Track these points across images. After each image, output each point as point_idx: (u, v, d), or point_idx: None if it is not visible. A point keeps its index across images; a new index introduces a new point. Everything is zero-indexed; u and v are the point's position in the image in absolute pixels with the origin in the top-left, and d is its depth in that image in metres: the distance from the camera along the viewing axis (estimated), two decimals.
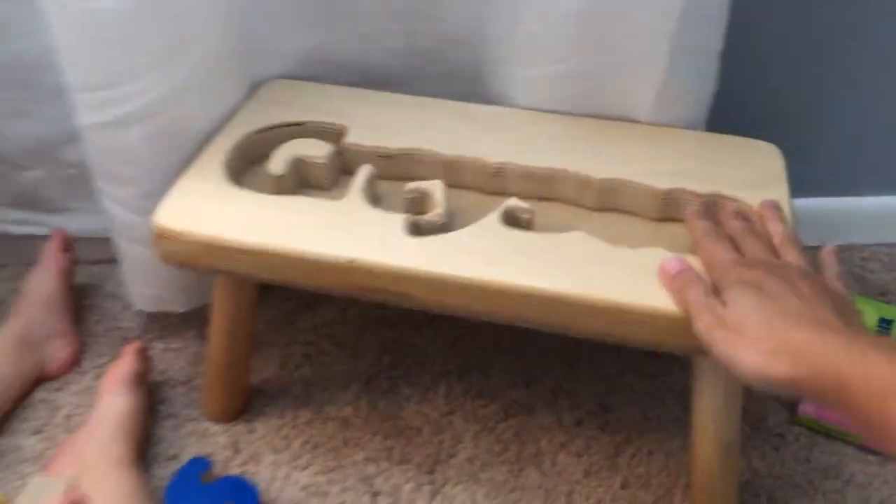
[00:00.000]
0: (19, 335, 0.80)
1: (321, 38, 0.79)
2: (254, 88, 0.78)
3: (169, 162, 0.71)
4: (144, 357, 0.80)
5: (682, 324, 0.56)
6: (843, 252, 0.98)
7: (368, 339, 0.86)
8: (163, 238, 0.64)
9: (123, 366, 0.77)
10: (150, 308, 0.84)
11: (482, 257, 0.61)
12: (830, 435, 0.79)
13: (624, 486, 0.74)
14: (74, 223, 0.91)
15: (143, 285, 0.81)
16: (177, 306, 0.83)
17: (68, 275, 0.87)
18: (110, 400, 0.74)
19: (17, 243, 0.93)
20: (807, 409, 0.79)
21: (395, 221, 0.64)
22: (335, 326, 0.87)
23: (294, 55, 0.79)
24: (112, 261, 0.92)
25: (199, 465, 0.71)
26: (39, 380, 0.81)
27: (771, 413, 0.81)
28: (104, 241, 0.91)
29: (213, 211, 0.65)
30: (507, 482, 0.74)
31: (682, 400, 0.81)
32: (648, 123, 0.74)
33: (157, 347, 0.85)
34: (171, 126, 0.70)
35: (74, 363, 0.83)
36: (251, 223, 0.64)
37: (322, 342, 0.86)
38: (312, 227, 0.64)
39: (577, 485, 0.74)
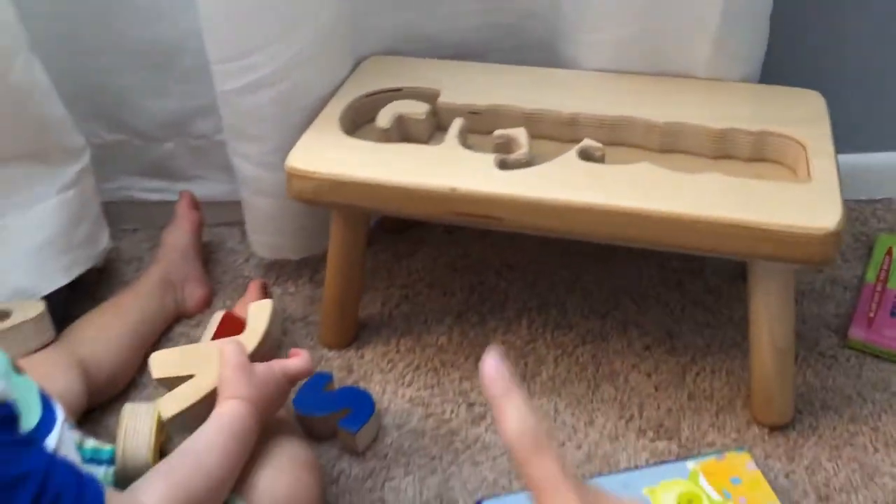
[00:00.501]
0: (162, 278, 0.94)
1: (413, 17, 0.91)
2: (358, 62, 0.91)
3: (291, 122, 0.84)
4: (266, 292, 0.92)
5: (738, 231, 0.67)
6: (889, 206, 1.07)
7: (457, 282, 0.98)
8: (294, 178, 0.77)
9: (249, 299, 0.89)
10: (270, 255, 0.97)
11: (563, 183, 0.72)
12: (879, 356, 0.87)
13: (690, 398, 0.84)
14: (199, 189, 1.05)
15: (263, 234, 0.95)
16: (293, 254, 0.96)
17: (198, 229, 1.00)
18: None
19: (149, 209, 1.07)
20: (857, 333, 0.88)
21: (487, 159, 0.76)
22: (427, 272, 0.99)
23: (391, 32, 0.92)
24: (231, 223, 1.07)
25: (322, 378, 0.83)
26: (179, 316, 0.95)
27: (823, 338, 0.89)
28: (225, 205, 1.05)
29: (334, 155, 0.78)
30: (585, 395, 0.85)
31: (742, 330, 0.90)
32: (705, 79, 0.85)
33: (276, 292, 0.98)
34: (293, 91, 0.83)
35: (207, 303, 0.97)
36: (367, 163, 0.76)
37: (417, 285, 0.98)
38: (418, 165, 0.76)
39: (649, 397, 0.84)
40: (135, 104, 0.99)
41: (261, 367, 0.69)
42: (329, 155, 0.78)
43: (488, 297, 0.96)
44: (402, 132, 0.83)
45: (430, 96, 0.85)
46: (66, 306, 0.92)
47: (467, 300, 0.96)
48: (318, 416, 0.80)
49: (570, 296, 0.96)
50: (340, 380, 0.87)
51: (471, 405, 0.84)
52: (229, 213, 1.05)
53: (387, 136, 0.82)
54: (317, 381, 0.82)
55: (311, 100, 0.84)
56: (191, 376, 0.70)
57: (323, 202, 0.78)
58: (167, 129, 1.01)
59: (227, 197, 1.04)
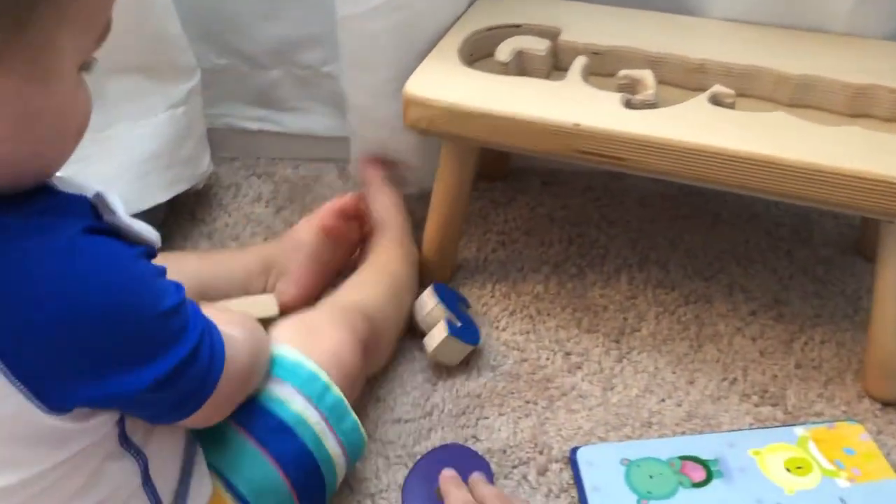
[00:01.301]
0: (265, 258, 0.85)
1: None
2: None
3: (407, 51, 0.82)
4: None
5: (878, 187, 0.63)
6: None
7: (555, 233, 0.95)
8: (411, 105, 0.75)
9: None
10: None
11: (693, 126, 0.69)
12: None
13: (797, 366, 0.81)
14: (300, 122, 1.04)
15: None
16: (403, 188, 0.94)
17: (332, 234, 0.86)
18: None
19: (249, 138, 1.07)
20: None
21: (613, 97, 0.73)
22: (524, 221, 0.97)
23: None
24: (329, 159, 1.06)
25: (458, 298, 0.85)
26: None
27: None
28: (324, 140, 1.05)
29: (452, 84, 0.76)
30: (687, 355, 0.82)
31: (853, 303, 0.86)
32: (844, 34, 0.80)
33: None
34: (414, 19, 0.82)
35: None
36: (486, 94, 0.74)
37: (514, 233, 0.96)
38: (540, 98, 0.74)
39: (753, 362, 0.81)
40: (245, 29, 0.98)
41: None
42: (448, 84, 0.76)
43: (587, 250, 0.93)
44: (521, 68, 0.81)
45: (550, 34, 0.83)
46: (164, 224, 0.92)
47: (565, 251, 0.93)
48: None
49: (672, 255, 0.93)
50: None
51: (567, 354, 0.82)
52: (328, 149, 1.04)
53: (505, 70, 0.80)
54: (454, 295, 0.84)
55: (429, 30, 0.83)
56: None
57: (438, 132, 0.77)
58: (275, 56, 1.00)
59: (327, 132, 1.04)
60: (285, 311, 0.80)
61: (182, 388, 0.51)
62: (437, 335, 0.79)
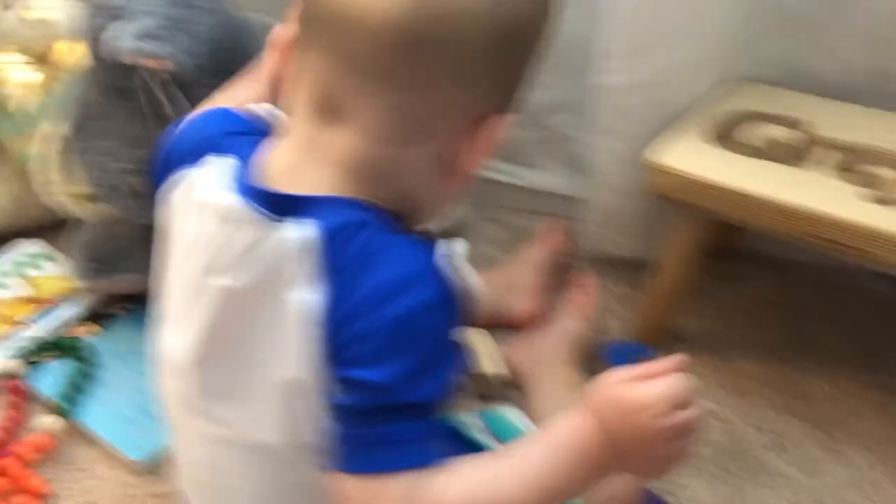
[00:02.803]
0: (502, 279, 0.98)
1: (793, 46, 0.92)
2: (729, 82, 0.94)
3: (658, 123, 0.89)
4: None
5: None
6: None
7: (775, 318, 0.97)
8: (656, 172, 0.82)
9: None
10: (601, 247, 1.02)
11: None
12: None
13: None
14: (535, 178, 1.13)
15: (602, 226, 1.00)
16: (623, 251, 1.00)
17: (558, 256, 1.01)
18: None
19: (488, 186, 1.16)
20: None
21: (859, 192, 0.76)
22: (745, 301, 0.99)
23: (768, 60, 0.94)
24: (557, 216, 1.14)
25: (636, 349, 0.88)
26: (497, 318, 0.95)
27: None
28: (553, 197, 1.13)
29: (697, 158, 0.82)
30: None
31: None
32: None
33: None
34: (668, 94, 0.88)
35: (532, 320, 0.95)
36: (729, 170, 0.80)
37: (732, 310, 0.98)
38: (784, 182, 0.78)
39: None
40: None
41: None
42: (692, 157, 0.82)
43: (808, 339, 0.94)
44: (765, 153, 0.85)
45: (798, 125, 0.86)
46: None
47: (784, 337, 0.95)
48: None
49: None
50: None
51: (774, 434, 0.83)
52: (558, 206, 1.12)
53: (749, 153, 0.84)
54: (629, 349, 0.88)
55: (680, 106, 0.89)
56: None
57: (677, 200, 0.82)
58: (527, 116, 1.10)
59: (560, 190, 1.11)
60: (521, 321, 0.95)
61: (390, 429, 0.49)
62: None
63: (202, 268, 0.54)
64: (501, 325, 0.97)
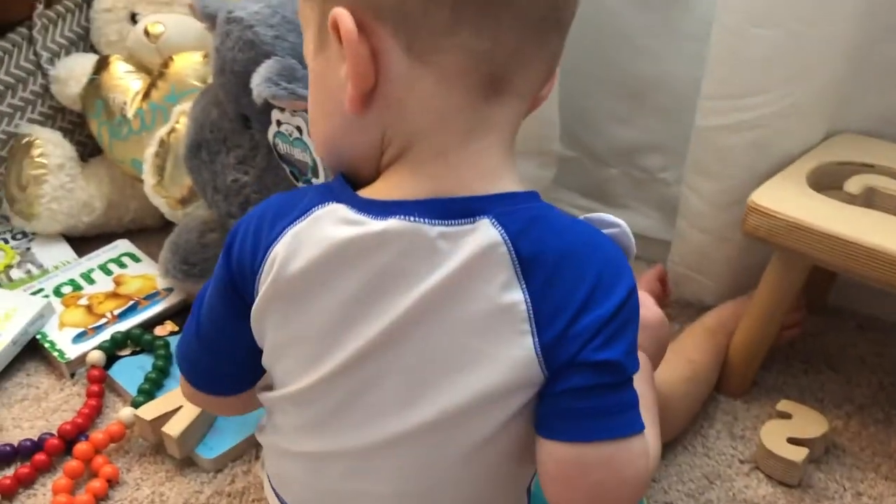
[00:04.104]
0: None
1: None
2: (830, 133, 0.92)
3: (756, 167, 0.88)
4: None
5: None
6: None
7: (865, 375, 0.93)
8: (755, 213, 0.80)
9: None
10: (689, 291, 1.01)
11: None
12: None
13: None
14: (625, 219, 1.11)
15: (688, 269, 0.99)
16: (710, 297, 0.98)
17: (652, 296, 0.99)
18: None
19: None
20: None
21: None
22: (833, 356, 0.96)
23: (871, 114, 0.92)
24: (646, 259, 1.12)
25: None
26: None
27: None
28: (641, 239, 1.11)
29: (798, 202, 0.80)
30: None
31: None
32: None
33: (674, 326, 1.01)
34: (770, 139, 0.87)
35: None
36: (831, 216, 0.78)
37: (819, 364, 0.95)
38: (886, 231, 0.75)
39: None
40: (598, 127, 1.09)
41: None
42: (793, 201, 0.80)
43: None
44: (869, 203, 0.83)
45: None
46: None
47: (874, 395, 0.91)
48: None
49: None
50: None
51: (858, 494, 0.80)
52: (646, 249, 1.10)
53: (852, 201, 0.82)
54: None
55: (781, 151, 0.88)
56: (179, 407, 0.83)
57: (775, 243, 0.80)
58: (619, 156, 1.10)
59: (649, 232, 1.10)
60: None
61: (604, 401, 0.51)
62: None
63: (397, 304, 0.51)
64: None
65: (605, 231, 0.58)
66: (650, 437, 0.55)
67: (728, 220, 0.91)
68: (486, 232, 0.49)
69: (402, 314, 0.50)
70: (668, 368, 0.83)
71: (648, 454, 0.54)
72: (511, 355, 0.50)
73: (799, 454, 0.80)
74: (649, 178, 1.09)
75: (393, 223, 0.50)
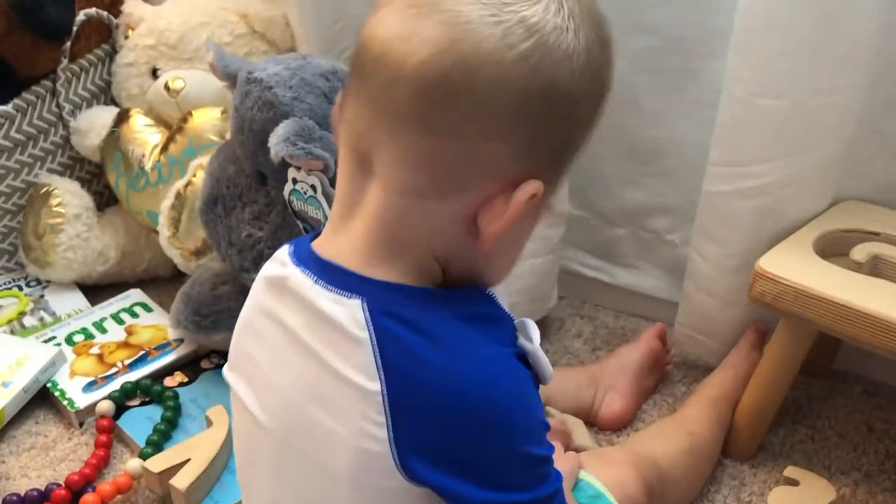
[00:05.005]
0: (592, 372, 0.98)
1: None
2: (835, 201, 0.93)
3: (761, 233, 0.89)
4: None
5: None
6: None
7: (871, 443, 0.93)
8: (761, 279, 0.81)
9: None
10: (693, 353, 1.01)
11: None
12: None
13: None
14: (630, 278, 1.14)
15: (695, 332, 1.00)
16: (713, 359, 0.99)
17: (652, 357, 0.99)
18: None
19: (580, 283, 1.17)
20: None
21: None
22: (839, 423, 0.96)
23: (875, 182, 0.93)
24: (649, 318, 1.13)
25: None
26: (589, 418, 0.95)
27: None
28: (646, 299, 1.12)
29: (804, 269, 0.81)
30: None
31: None
32: None
33: (680, 389, 1.01)
34: (776, 207, 0.88)
35: (623, 421, 0.95)
36: (837, 284, 0.79)
37: (826, 431, 0.95)
38: (892, 299, 0.76)
39: None
40: (607, 189, 1.11)
41: None
42: (799, 268, 0.81)
43: None
44: (875, 272, 0.84)
45: None
46: None
47: (881, 463, 0.91)
48: None
49: None
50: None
51: None
52: (650, 308, 1.12)
53: (858, 269, 0.83)
54: None
55: (788, 218, 0.89)
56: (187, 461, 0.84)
57: (781, 309, 0.81)
58: (626, 217, 1.11)
59: (654, 292, 1.12)
60: (610, 421, 0.95)
61: None
62: None
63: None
64: (595, 424, 0.96)
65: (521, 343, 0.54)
66: None
67: (734, 284, 0.92)
68: (346, 308, 0.51)
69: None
70: (668, 441, 0.85)
71: None
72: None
73: None
74: (657, 238, 1.10)
75: (291, 271, 0.54)
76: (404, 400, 0.49)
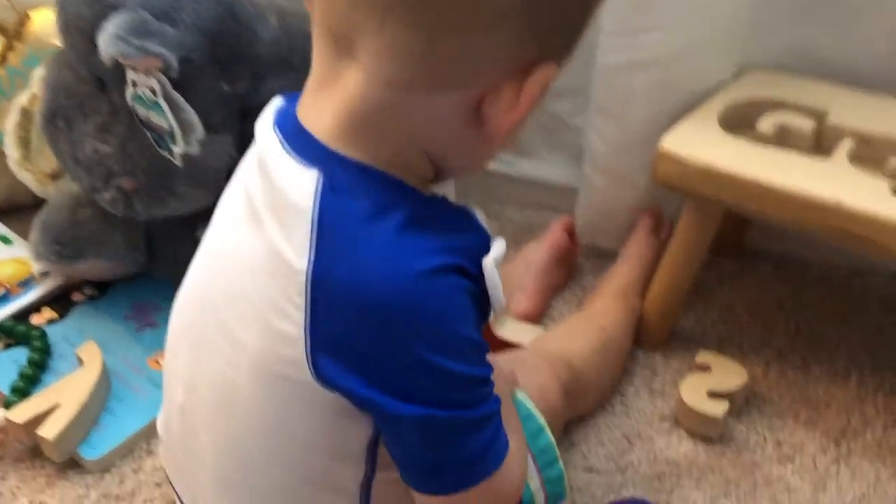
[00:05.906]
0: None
1: (811, 34, 0.86)
2: (740, 71, 0.88)
3: (661, 109, 0.83)
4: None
5: None
6: None
7: (782, 321, 0.91)
8: (665, 160, 0.76)
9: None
10: (591, 239, 0.97)
11: None
12: None
13: None
14: (534, 168, 1.07)
15: (598, 217, 0.95)
16: (614, 243, 0.94)
17: (559, 253, 0.95)
18: None
19: (486, 180, 1.11)
20: None
21: (880, 182, 0.70)
22: (751, 302, 0.93)
23: (782, 47, 0.88)
24: (555, 209, 1.07)
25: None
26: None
27: None
28: (551, 188, 1.07)
29: (709, 146, 0.76)
30: None
31: None
32: None
33: (588, 279, 0.97)
34: (672, 79, 0.83)
35: (530, 321, 0.89)
36: (744, 160, 0.74)
37: (737, 310, 0.92)
38: (801, 173, 0.72)
39: None
40: None
41: None
42: (704, 145, 0.76)
43: (815, 343, 0.88)
44: (782, 143, 0.79)
45: (816, 114, 0.81)
46: None
47: (791, 340, 0.89)
48: None
49: None
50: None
51: (778, 444, 0.78)
52: (556, 198, 1.06)
53: (765, 142, 0.78)
54: None
55: (689, 92, 0.83)
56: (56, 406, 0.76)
57: (687, 190, 0.76)
58: None
59: (559, 180, 1.06)
60: (522, 318, 0.89)
61: (446, 455, 0.48)
62: None
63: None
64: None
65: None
66: (512, 446, 0.51)
67: (634, 164, 0.87)
68: (302, 177, 0.47)
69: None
70: (580, 339, 0.81)
71: (514, 466, 0.52)
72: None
73: (719, 408, 0.77)
74: (559, 123, 1.03)
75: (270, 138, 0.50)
76: (326, 286, 0.46)
